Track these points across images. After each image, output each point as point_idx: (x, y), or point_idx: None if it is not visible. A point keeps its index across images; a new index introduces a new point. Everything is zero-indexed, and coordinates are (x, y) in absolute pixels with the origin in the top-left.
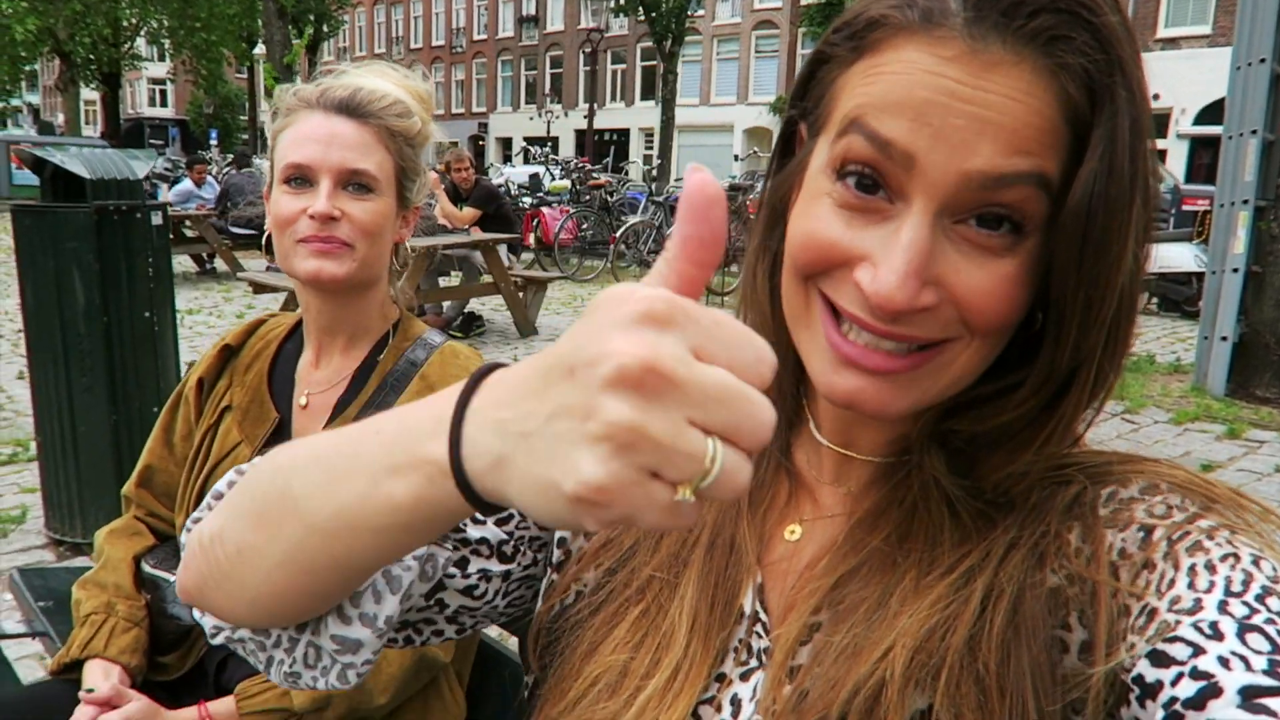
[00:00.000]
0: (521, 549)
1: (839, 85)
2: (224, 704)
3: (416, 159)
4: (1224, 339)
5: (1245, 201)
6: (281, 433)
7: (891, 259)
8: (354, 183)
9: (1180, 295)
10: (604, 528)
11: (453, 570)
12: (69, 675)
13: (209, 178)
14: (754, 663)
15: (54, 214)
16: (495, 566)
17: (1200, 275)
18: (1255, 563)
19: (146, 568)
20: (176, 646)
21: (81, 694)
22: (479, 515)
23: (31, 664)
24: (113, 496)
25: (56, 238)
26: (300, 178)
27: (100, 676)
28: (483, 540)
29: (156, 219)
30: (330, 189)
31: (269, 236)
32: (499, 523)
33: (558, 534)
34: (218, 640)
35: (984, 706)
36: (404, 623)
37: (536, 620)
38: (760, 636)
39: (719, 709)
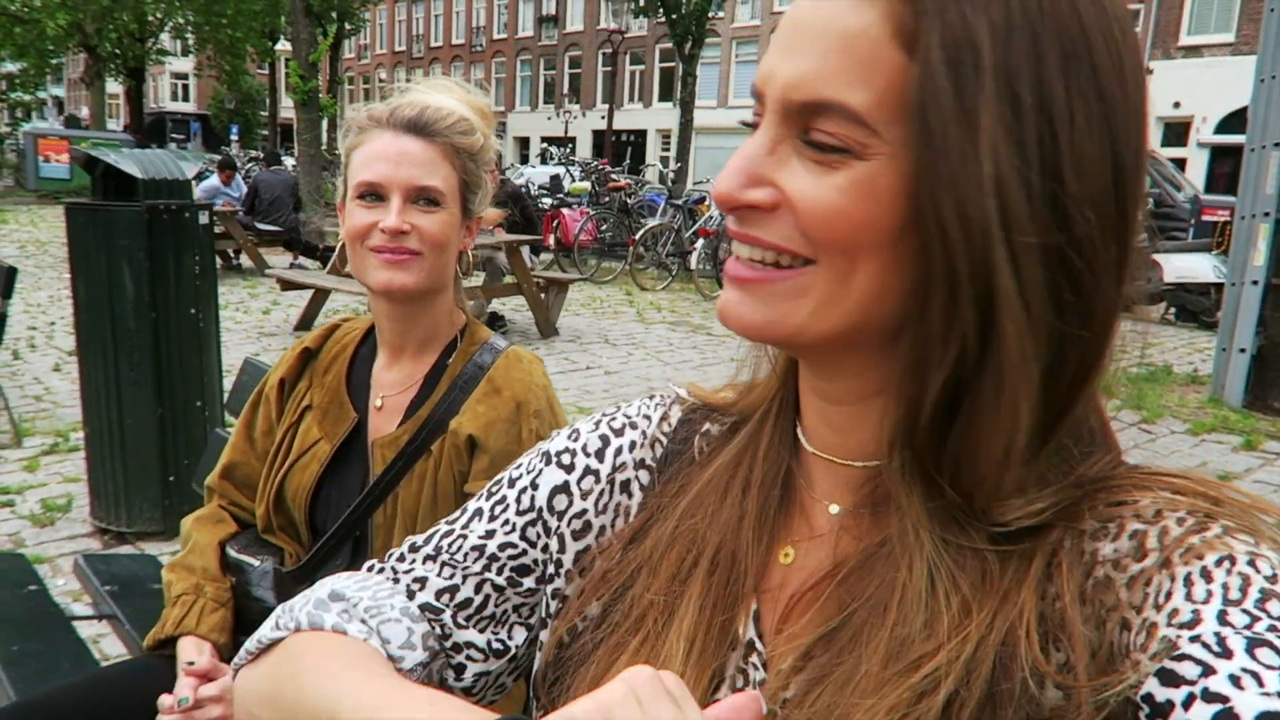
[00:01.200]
0: (513, 628)
1: None
2: None
3: (479, 172)
4: (1242, 351)
5: (1266, 214)
6: (359, 431)
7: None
8: (423, 197)
9: (1199, 306)
10: None
11: (447, 672)
12: (162, 651)
13: (236, 177)
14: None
15: (107, 212)
16: (491, 665)
17: (1219, 286)
18: (1252, 563)
19: (231, 553)
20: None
21: (183, 666)
22: (460, 621)
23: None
24: (157, 488)
25: (109, 235)
26: (372, 194)
27: (194, 652)
28: (470, 644)
29: (204, 218)
30: (400, 205)
31: (342, 246)
32: (478, 626)
33: (550, 587)
34: None
35: None
36: None
37: (543, 657)
38: (757, 668)
39: None
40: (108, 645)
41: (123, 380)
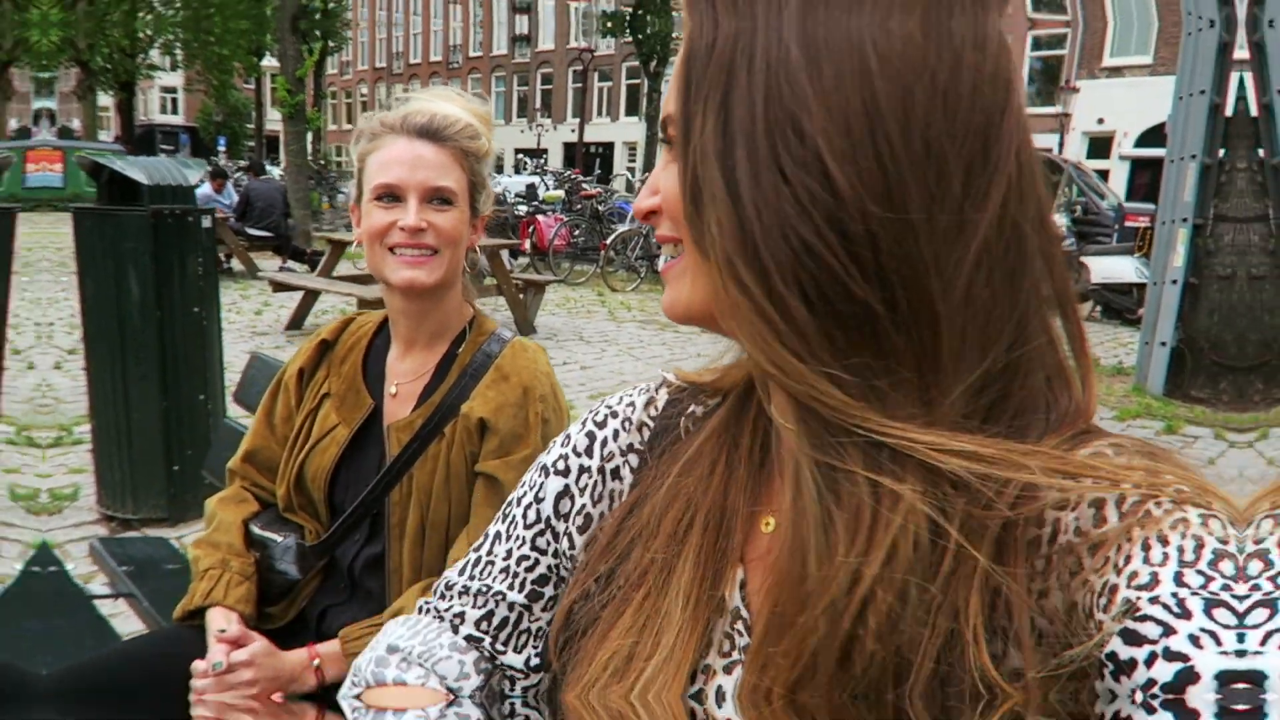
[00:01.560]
0: (546, 638)
1: None
2: (330, 646)
3: (483, 173)
4: (1163, 344)
5: (1184, 220)
6: (375, 416)
7: None
8: (437, 197)
9: (1122, 305)
10: None
11: (504, 683)
12: (191, 622)
13: (228, 185)
14: (737, 656)
15: (114, 217)
16: (534, 679)
17: (1141, 286)
18: (1204, 522)
19: (255, 530)
20: (281, 599)
21: (215, 633)
22: (499, 646)
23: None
24: (162, 477)
25: (116, 239)
26: (390, 195)
27: (222, 621)
28: (510, 666)
29: (206, 222)
30: (417, 205)
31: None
32: (516, 646)
33: (561, 573)
34: None
35: None
36: None
37: (554, 627)
38: (742, 634)
39: (702, 700)
40: (120, 624)
41: (129, 376)
